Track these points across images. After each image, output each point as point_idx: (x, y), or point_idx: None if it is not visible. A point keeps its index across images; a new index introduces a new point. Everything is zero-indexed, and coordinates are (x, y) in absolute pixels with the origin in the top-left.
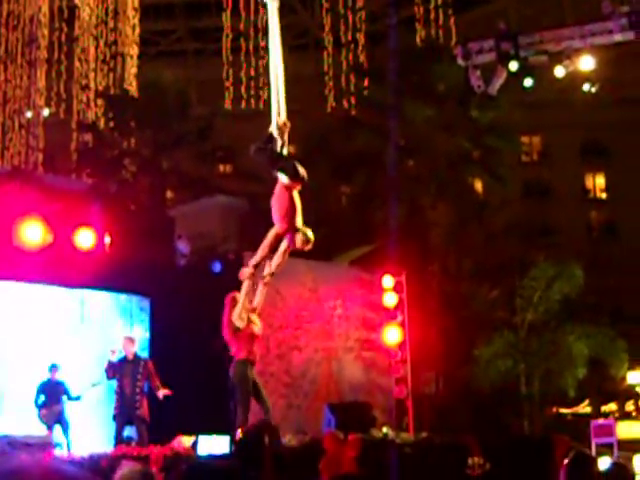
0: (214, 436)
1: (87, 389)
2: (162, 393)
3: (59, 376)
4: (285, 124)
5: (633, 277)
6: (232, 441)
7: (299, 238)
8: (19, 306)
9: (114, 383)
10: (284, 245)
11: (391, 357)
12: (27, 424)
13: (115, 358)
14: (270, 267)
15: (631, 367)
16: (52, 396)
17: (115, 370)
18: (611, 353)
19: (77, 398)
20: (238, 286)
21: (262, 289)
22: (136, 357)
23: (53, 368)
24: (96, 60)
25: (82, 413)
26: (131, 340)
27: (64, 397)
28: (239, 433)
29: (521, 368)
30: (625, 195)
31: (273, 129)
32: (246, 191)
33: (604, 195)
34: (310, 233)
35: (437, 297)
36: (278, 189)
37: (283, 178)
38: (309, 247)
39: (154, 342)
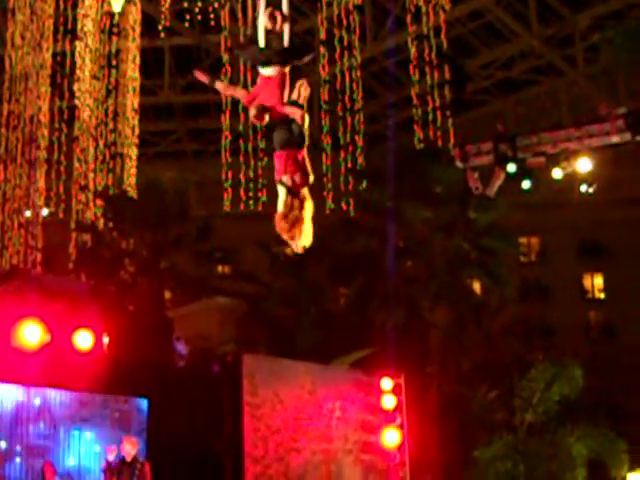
0: None
1: None
2: None
3: None
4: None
5: (631, 376)
6: None
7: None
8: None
9: None
10: None
11: (390, 460)
12: None
13: (112, 458)
14: None
15: (631, 468)
16: None
17: (112, 472)
18: (611, 454)
19: None
20: (236, 388)
21: None
22: (134, 459)
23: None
24: (95, 160)
25: None
26: (131, 442)
27: None
28: None
29: (521, 470)
30: (623, 295)
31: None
32: (245, 292)
33: (602, 295)
34: None
35: (436, 399)
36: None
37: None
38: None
39: (151, 444)
